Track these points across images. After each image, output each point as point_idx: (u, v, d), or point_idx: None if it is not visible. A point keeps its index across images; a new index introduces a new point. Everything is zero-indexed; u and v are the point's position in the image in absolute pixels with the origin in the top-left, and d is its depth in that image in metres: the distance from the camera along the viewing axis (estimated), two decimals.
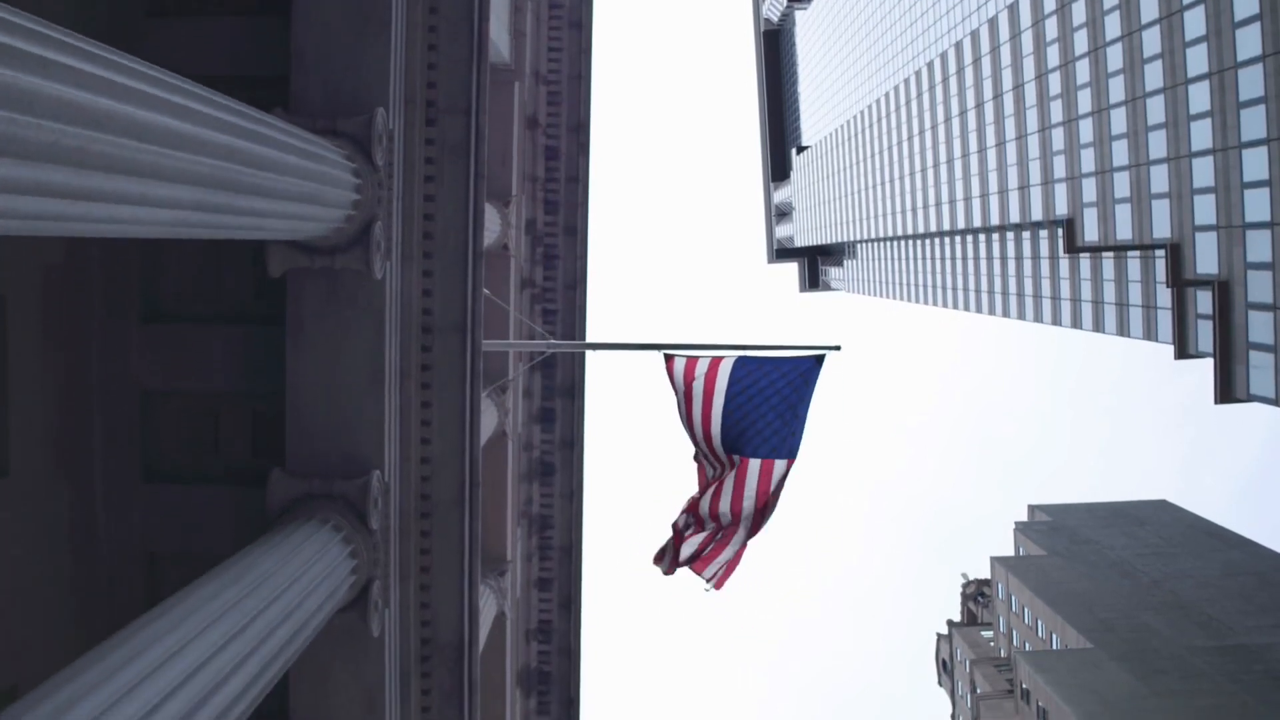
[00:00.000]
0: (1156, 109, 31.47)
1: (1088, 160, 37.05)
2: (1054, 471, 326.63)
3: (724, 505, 14.84)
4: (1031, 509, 72.52)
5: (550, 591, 24.44)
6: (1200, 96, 28.62)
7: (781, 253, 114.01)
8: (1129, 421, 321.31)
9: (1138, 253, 39.41)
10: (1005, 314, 53.15)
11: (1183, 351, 35.40)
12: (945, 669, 67.90)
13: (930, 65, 56.54)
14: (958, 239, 60.49)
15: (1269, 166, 25.49)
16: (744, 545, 14.41)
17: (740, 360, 15.40)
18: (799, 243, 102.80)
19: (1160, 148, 31.41)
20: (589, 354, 24.45)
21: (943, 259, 62.58)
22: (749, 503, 14.94)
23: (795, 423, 15.22)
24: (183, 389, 12.38)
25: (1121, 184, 34.44)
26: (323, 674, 11.59)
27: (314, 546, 9.96)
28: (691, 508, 14.97)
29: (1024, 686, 49.95)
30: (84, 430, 11.87)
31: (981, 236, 56.22)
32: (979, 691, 55.37)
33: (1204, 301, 33.32)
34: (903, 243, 73.34)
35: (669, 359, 15.13)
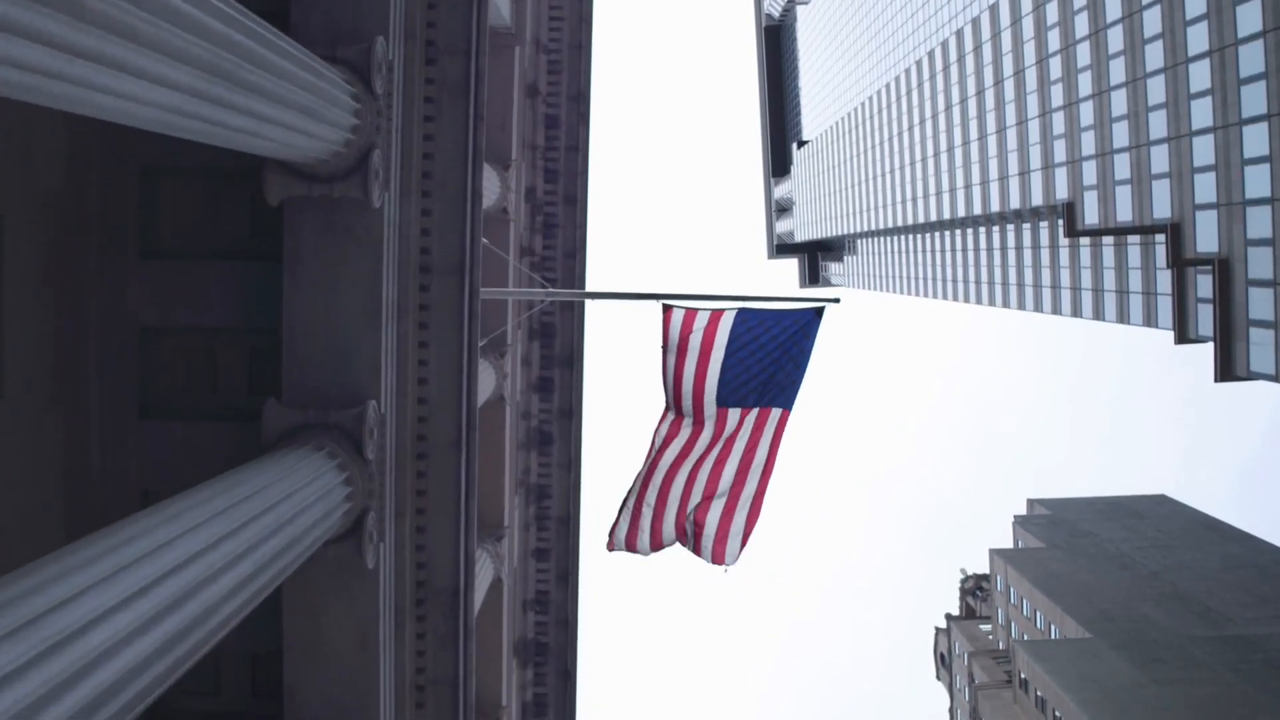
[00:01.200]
0: (1157, 89, 31.49)
1: (1088, 143, 37.08)
2: (1053, 466, 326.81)
3: (709, 465, 14.66)
4: (1030, 503, 72.46)
5: (548, 562, 24.33)
6: (1201, 75, 28.63)
7: (782, 248, 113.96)
8: (1129, 415, 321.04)
9: (1138, 239, 39.39)
10: (1005, 304, 53.15)
11: (1183, 336, 35.37)
12: (943, 663, 67.77)
13: (931, 54, 56.62)
14: (957, 232, 60.52)
15: (1269, 142, 25.50)
16: (755, 509, 14.18)
17: (741, 313, 15.32)
18: (799, 238, 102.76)
19: (1161, 128, 31.43)
20: (588, 325, 24.42)
21: (942, 251, 62.56)
22: (738, 456, 14.82)
23: (795, 374, 15.14)
24: (180, 325, 12.35)
25: (1122, 166, 34.45)
26: (316, 607, 11.53)
27: (309, 468, 9.92)
28: (667, 479, 14.58)
29: (1022, 676, 49.85)
30: (79, 363, 11.83)
31: (982, 228, 56.23)
32: (977, 682, 55.26)
33: (1204, 285, 33.30)
34: (902, 237, 73.33)
35: (667, 310, 15.04)
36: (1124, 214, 34.82)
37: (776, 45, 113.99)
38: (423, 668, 13.30)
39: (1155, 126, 31.82)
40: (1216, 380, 28.99)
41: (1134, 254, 40.00)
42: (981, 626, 65.09)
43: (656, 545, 14.17)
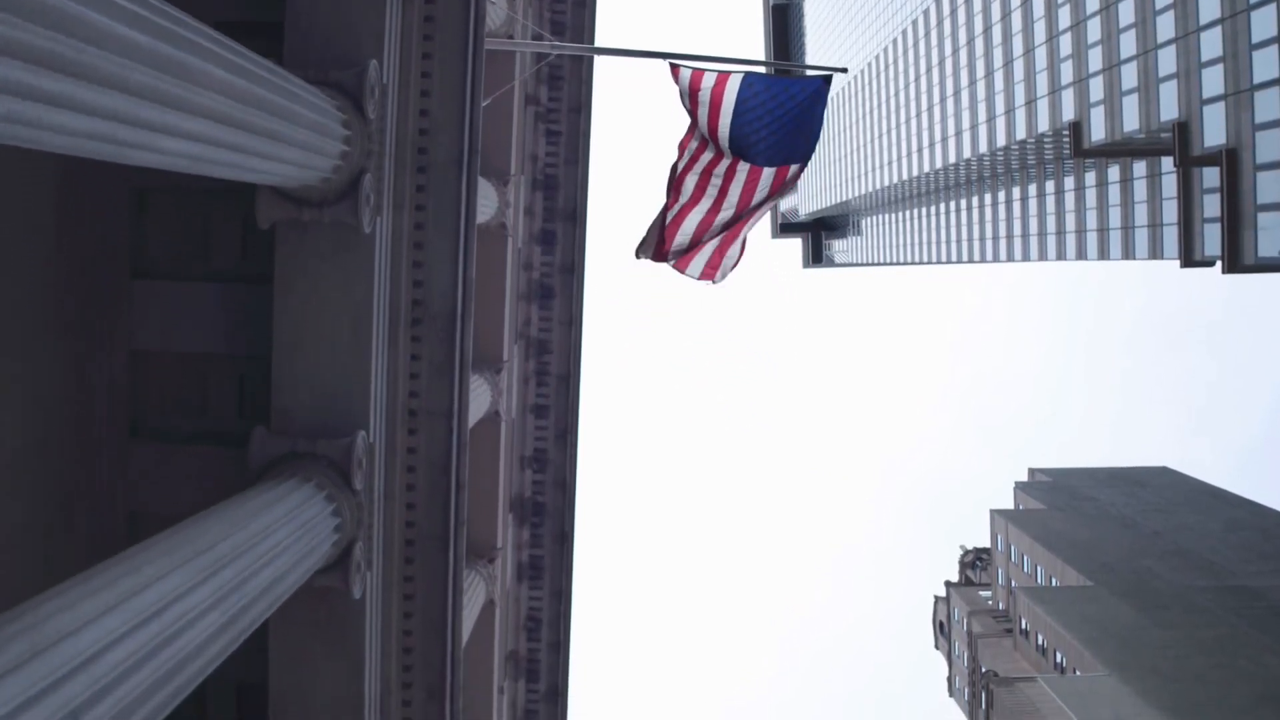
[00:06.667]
0: None
1: (1095, 59, 37.14)
2: (1053, 448, 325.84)
3: (730, 201, 14.58)
4: (1032, 471, 72.14)
5: (546, 420, 24.05)
6: None
7: (785, 227, 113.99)
8: (1132, 394, 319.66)
9: (1144, 173, 39.39)
10: (1010, 257, 53.04)
11: (1189, 259, 35.20)
12: (942, 631, 67.11)
13: (939, 1, 56.77)
14: (961, 199, 60.53)
15: (1278, 23, 25.48)
16: (744, 237, 14.19)
17: (748, 78, 15.17)
18: (803, 212, 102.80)
19: (1169, 29, 31.44)
20: (591, 183, 24.31)
21: (946, 213, 62.56)
22: (759, 203, 14.73)
23: (808, 134, 14.92)
24: None
25: (1129, 75, 34.49)
26: (308, 282, 11.27)
27: (306, 99, 9.67)
28: (678, 190, 14.58)
29: (1023, 625, 49.39)
30: None
31: (987, 188, 56.26)
32: (976, 632, 54.69)
33: (1211, 205, 33.21)
34: (904, 211, 73.39)
35: (674, 68, 14.93)
36: (1130, 123, 34.80)
37: (784, 25, 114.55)
38: (416, 392, 13.03)
39: (1163, 29, 31.84)
40: (1224, 272, 28.84)
41: (1139, 188, 40.02)
42: (981, 593, 64.51)
43: (681, 267, 14.15)
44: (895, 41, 65.58)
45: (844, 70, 15.33)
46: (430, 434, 13.11)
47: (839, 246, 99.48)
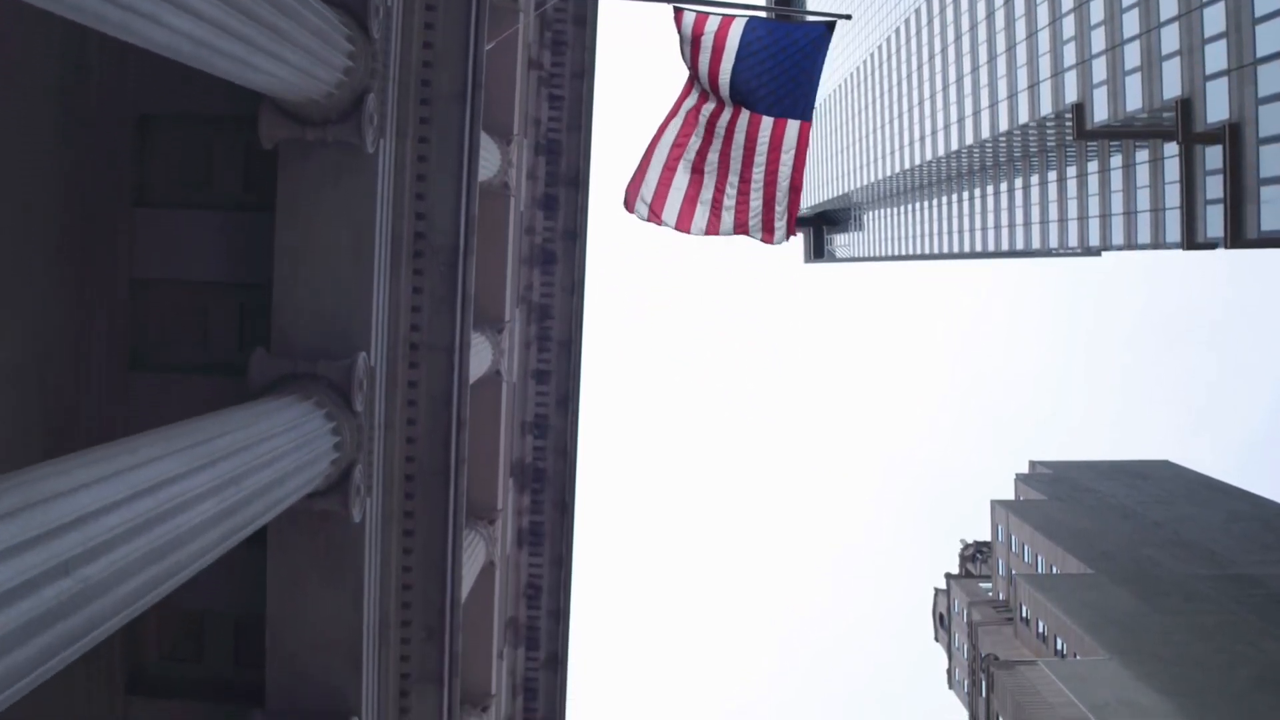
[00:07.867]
0: None
1: (1097, 40, 37.17)
2: (1053, 451, 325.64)
3: (735, 156, 14.55)
4: (1032, 464, 72.21)
5: (548, 385, 23.96)
6: None
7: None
8: (1133, 391, 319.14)
9: (1146, 158, 39.36)
10: (1012, 247, 53.04)
11: (1191, 241, 35.17)
12: (942, 623, 67.02)
13: None
14: (964, 193, 60.54)
15: None
16: (792, 213, 14.18)
17: (751, 22, 15.16)
18: (804, 206, 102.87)
19: (1171, 6, 31.47)
20: (594, 142, 24.18)
21: (947, 205, 62.56)
22: (762, 158, 14.72)
23: (808, 84, 14.95)
24: None
25: (1132, 55, 34.51)
26: (309, 204, 11.22)
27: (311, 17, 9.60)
28: (698, 161, 14.56)
29: (1024, 613, 49.35)
30: None
31: (989, 178, 56.27)
32: (977, 620, 54.63)
33: (1214, 186, 33.20)
34: (905, 206, 73.41)
35: (678, 13, 14.92)
36: (1133, 103, 34.80)
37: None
38: (418, 325, 12.97)
39: (1165, 6, 31.87)
40: (1228, 247, 28.81)
41: (1141, 173, 40.02)
42: (981, 585, 64.47)
43: (684, 227, 14.14)
44: (898, 30, 65.66)
45: (848, 17, 15.30)
46: (431, 367, 13.05)
47: (840, 241, 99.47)
